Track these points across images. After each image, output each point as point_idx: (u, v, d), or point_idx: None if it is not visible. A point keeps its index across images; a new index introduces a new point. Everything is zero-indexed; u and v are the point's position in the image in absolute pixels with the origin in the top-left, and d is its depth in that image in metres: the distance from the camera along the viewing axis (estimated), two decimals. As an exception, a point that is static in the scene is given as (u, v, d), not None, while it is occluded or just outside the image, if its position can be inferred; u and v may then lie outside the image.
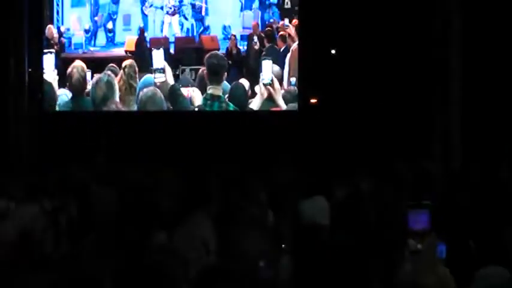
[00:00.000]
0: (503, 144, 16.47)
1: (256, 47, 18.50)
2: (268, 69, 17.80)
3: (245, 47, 18.67)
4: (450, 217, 9.02)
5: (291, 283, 3.57)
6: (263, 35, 18.51)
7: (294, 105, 18.45)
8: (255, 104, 18.14)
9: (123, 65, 18.50)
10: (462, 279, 4.94)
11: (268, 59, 17.92)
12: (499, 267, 5.03)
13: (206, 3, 18.75)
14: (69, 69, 18.40)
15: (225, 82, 18.33)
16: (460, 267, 5.10)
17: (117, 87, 18.43)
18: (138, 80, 18.49)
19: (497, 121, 16.74)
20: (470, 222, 10.61)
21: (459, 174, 13.18)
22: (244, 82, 18.45)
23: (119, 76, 18.44)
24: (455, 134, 16.66)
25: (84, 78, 18.36)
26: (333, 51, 18.91)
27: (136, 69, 18.49)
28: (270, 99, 18.08)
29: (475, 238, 8.85)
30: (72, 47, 19.01)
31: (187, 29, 18.92)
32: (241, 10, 18.81)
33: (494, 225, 8.18)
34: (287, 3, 18.51)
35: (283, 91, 18.16)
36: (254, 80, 18.29)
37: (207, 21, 18.83)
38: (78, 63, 18.47)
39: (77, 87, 18.43)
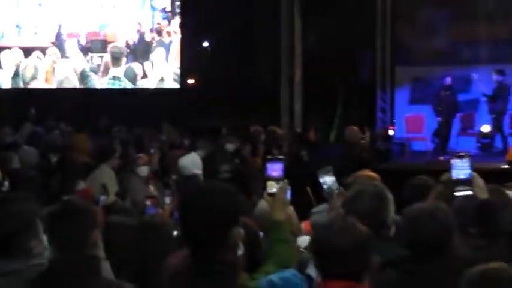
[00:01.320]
0: (332, 116, 17.21)
1: (148, 39, 18.70)
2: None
3: (138, 40, 18.77)
4: (294, 168, 9.69)
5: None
6: (154, 31, 18.70)
7: (176, 84, 18.80)
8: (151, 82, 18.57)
9: (47, 52, 18.55)
10: (301, 215, 4.94)
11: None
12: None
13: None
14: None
15: (123, 66, 18.56)
16: (300, 206, 5.03)
17: (43, 69, 18.54)
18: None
19: (327, 98, 17.35)
20: (308, 171, 11.27)
21: (300, 136, 13.66)
22: (137, 66, 18.65)
23: (44, 61, 18.54)
24: (297, 107, 16.83)
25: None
26: (206, 44, 19.16)
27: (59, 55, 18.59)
28: (162, 80, 18.48)
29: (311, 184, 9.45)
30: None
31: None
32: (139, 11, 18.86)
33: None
34: (171, 7, 18.68)
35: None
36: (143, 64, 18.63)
37: (111, 19, 18.92)
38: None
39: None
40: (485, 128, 15.65)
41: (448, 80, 15.06)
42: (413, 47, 17.22)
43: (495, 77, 14.75)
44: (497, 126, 15.02)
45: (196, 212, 2.56)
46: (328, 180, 4.15)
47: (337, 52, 17.21)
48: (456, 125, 15.75)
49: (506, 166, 12.71)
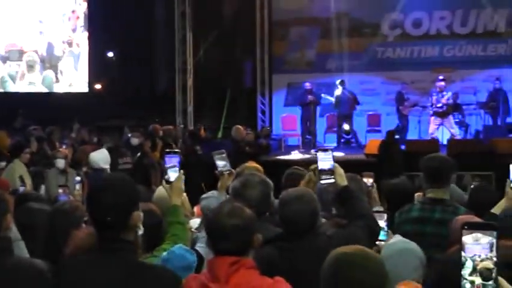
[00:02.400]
0: (220, 116, 17.30)
1: (60, 50, 18.26)
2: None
3: (51, 50, 18.31)
4: (189, 160, 9.73)
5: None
6: (65, 43, 18.29)
7: (85, 89, 18.48)
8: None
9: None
10: (193, 201, 4.88)
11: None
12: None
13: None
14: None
15: (38, 73, 18.08)
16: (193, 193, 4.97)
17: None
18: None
19: (216, 102, 17.46)
20: (201, 163, 11.28)
21: (193, 133, 13.68)
22: (51, 73, 18.20)
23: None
24: (190, 109, 16.72)
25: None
26: (111, 54, 18.93)
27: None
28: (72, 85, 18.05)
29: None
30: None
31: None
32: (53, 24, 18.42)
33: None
34: (83, 22, 18.36)
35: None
36: (56, 71, 18.24)
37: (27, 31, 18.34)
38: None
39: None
40: (346, 127, 16.06)
41: (308, 86, 15.22)
42: (287, 58, 17.49)
43: (340, 87, 15.13)
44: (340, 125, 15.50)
45: (101, 199, 2.57)
46: (220, 163, 4.17)
47: (224, 63, 17.39)
48: (323, 123, 16.11)
49: (365, 158, 13.08)
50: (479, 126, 15.13)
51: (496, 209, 3.70)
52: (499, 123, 14.76)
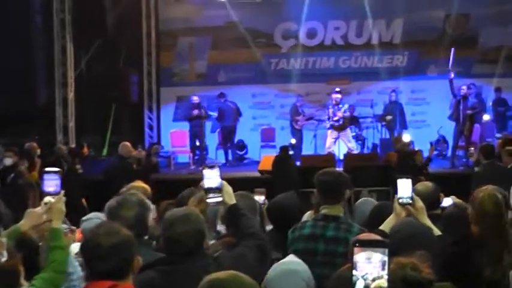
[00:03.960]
0: (104, 132, 17.09)
1: None
2: None
3: None
4: (69, 180, 9.51)
5: None
6: None
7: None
8: None
9: None
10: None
11: None
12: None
13: None
14: None
15: None
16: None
17: None
18: None
19: (99, 116, 17.26)
20: (82, 183, 11.12)
21: (75, 151, 13.44)
22: None
23: None
24: (71, 125, 16.28)
25: None
26: None
27: None
28: None
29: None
30: None
31: None
32: None
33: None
34: None
35: None
36: None
37: None
38: None
39: None
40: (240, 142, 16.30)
41: (195, 99, 15.31)
42: (176, 70, 17.54)
43: (219, 99, 15.43)
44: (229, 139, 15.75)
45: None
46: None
47: (108, 75, 17.16)
48: (215, 139, 16.27)
49: (258, 175, 13.27)
50: (377, 140, 15.69)
51: (385, 226, 3.82)
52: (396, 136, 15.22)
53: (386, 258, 2.05)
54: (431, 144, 12.31)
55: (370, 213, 4.66)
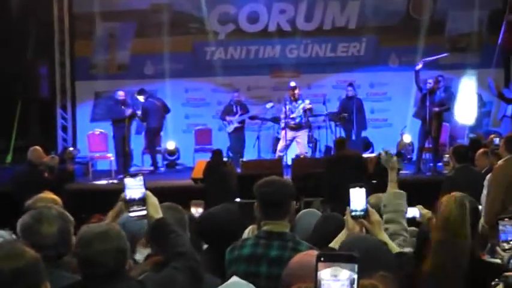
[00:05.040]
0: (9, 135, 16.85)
1: None
2: None
3: None
4: None
5: None
6: None
7: None
8: None
9: None
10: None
11: None
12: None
13: None
14: None
15: None
16: None
17: None
18: None
19: (3, 116, 17.00)
20: None
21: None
22: None
23: None
24: None
25: None
26: None
27: None
28: None
29: None
30: None
31: None
32: None
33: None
34: None
35: None
36: None
37: None
38: None
39: None
40: (171, 145, 16.24)
41: (121, 95, 14.96)
42: (94, 61, 17.44)
43: (141, 96, 15.30)
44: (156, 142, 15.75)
45: None
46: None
47: (13, 67, 16.89)
48: (141, 142, 16.18)
49: (192, 183, 13.23)
50: (330, 142, 15.69)
51: (335, 243, 3.83)
52: (353, 137, 15.20)
53: (355, 276, 2.05)
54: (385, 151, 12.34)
55: (314, 228, 4.64)
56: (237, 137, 15.47)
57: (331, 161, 12.06)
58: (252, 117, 15.64)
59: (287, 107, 14.70)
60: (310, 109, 14.93)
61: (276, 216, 4.19)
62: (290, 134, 14.71)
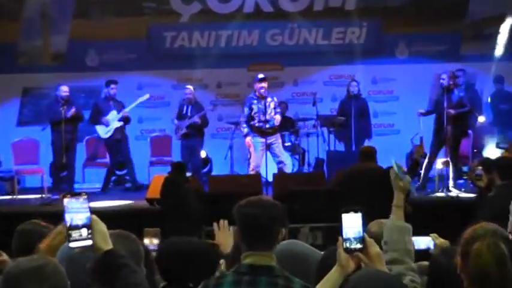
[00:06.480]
0: None
1: None
2: None
3: None
4: None
5: None
6: None
7: None
8: None
9: None
10: None
11: None
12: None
13: None
14: None
15: None
16: None
17: None
18: None
19: None
20: None
21: None
22: None
23: None
24: None
25: None
26: None
27: None
28: None
29: None
30: None
31: None
32: None
33: None
34: None
35: None
36: None
37: None
38: None
39: None
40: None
41: (64, 91, 14.72)
42: (21, 49, 17.42)
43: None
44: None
45: None
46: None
47: None
48: (81, 153, 16.06)
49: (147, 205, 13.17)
50: (322, 154, 15.73)
51: (323, 285, 3.78)
52: (353, 148, 14.96)
53: None
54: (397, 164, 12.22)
55: (320, 262, 4.49)
56: (186, 147, 15.22)
57: (350, 175, 11.64)
58: (202, 121, 15.19)
59: (254, 106, 14.40)
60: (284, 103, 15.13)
61: (262, 245, 4.15)
62: (261, 141, 14.40)
